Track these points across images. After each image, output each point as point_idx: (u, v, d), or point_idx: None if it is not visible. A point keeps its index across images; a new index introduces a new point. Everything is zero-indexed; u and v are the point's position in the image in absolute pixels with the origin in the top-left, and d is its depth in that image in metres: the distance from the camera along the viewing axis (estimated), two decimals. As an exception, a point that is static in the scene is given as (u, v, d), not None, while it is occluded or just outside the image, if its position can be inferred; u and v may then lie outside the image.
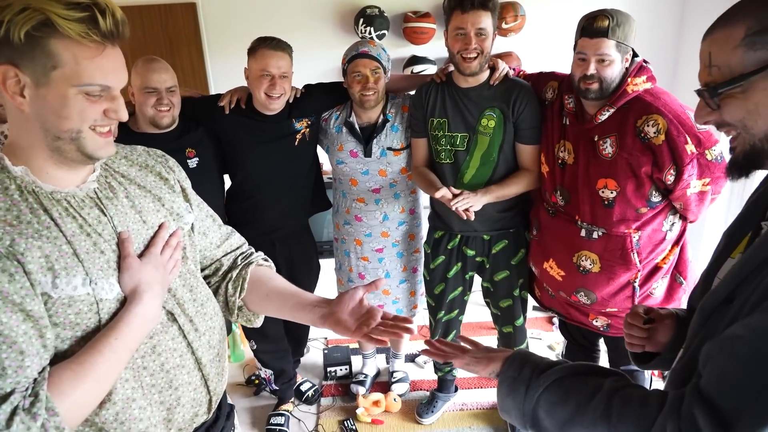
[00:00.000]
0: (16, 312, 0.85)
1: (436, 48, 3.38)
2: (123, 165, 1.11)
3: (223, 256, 1.30)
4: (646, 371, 2.19)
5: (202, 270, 1.27)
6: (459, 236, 2.34)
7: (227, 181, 2.45)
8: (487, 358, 1.08)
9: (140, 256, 1.03)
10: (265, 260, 1.34)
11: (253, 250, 1.36)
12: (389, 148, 2.32)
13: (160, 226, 1.09)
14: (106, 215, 1.00)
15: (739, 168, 0.90)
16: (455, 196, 2.01)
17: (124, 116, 0.95)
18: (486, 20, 1.97)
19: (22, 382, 0.85)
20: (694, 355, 0.90)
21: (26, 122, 0.90)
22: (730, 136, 0.89)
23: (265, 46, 2.11)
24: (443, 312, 2.46)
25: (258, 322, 1.31)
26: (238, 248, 1.34)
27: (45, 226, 0.91)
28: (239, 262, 1.29)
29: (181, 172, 1.22)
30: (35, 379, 0.86)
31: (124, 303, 0.99)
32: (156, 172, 1.15)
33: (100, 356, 0.91)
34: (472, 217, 1.98)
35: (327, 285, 2.85)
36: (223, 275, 1.28)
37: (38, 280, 0.88)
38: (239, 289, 1.25)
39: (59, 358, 0.91)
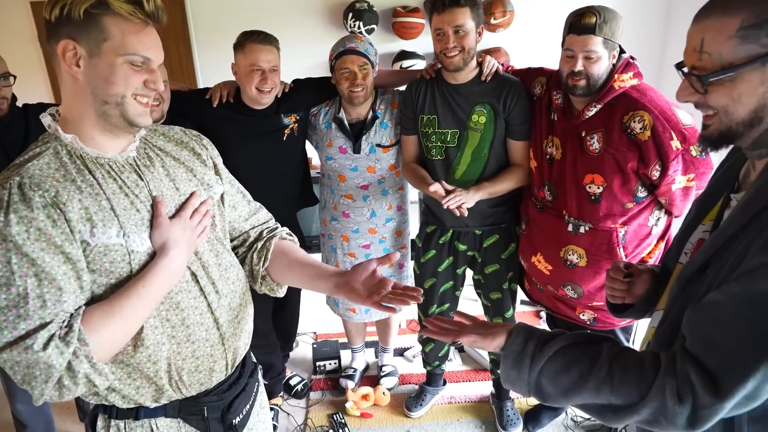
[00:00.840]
0: (57, 254, 0.97)
1: (425, 43, 3.39)
2: (161, 140, 1.24)
3: (250, 229, 1.41)
4: (628, 338, 2.28)
5: (231, 241, 1.38)
6: (451, 231, 2.35)
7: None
8: (491, 333, 1.13)
9: (171, 218, 1.14)
10: (290, 235, 1.45)
11: (278, 225, 1.47)
12: (378, 145, 2.32)
13: (192, 194, 1.20)
14: (143, 180, 1.13)
15: (711, 142, 0.96)
16: (448, 193, 2.02)
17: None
18: (462, 17, 1.97)
19: (59, 315, 0.97)
20: (674, 319, 1.01)
21: (79, 90, 1.05)
22: (706, 114, 0.95)
23: (252, 40, 2.10)
24: (435, 306, 2.47)
25: (281, 292, 1.42)
26: (265, 222, 1.45)
27: (89, 184, 1.04)
28: (264, 235, 1.40)
29: (213, 150, 1.35)
30: (71, 314, 0.98)
31: (153, 257, 1.10)
32: (190, 148, 1.28)
33: (128, 300, 1.03)
34: (465, 214, 2.00)
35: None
36: (249, 246, 1.39)
37: (78, 228, 1.01)
38: (263, 259, 1.35)
39: (95, 301, 1.04)
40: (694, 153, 1.79)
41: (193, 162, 1.26)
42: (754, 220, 0.89)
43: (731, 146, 1.02)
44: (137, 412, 1.18)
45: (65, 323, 0.97)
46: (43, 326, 0.94)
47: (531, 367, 1.04)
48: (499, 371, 2.62)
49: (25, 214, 0.95)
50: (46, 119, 1.09)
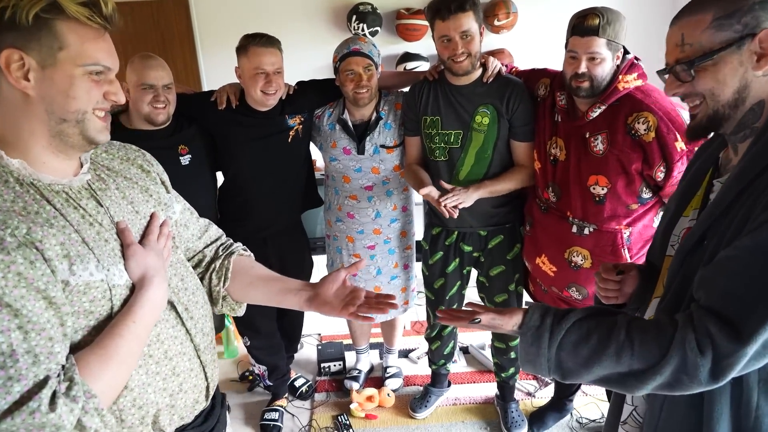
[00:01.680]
0: (39, 300, 0.85)
1: (429, 45, 3.39)
2: (105, 158, 1.12)
3: (204, 248, 1.33)
4: None
5: (188, 260, 1.30)
6: (456, 232, 2.35)
7: (220, 178, 2.45)
8: (508, 312, 1.14)
9: (140, 243, 1.05)
10: (245, 250, 1.37)
11: (231, 240, 1.39)
12: (382, 146, 2.32)
13: (152, 216, 1.11)
14: (102, 206, 1.02)
15: (701, 129, 1.04)
16: (445, 192, 2.02)
17: (122, 99, 0.99)
18: (468, 22, 1.97)
19: (53, 368, 0.85)
20: (676, 293, 1.05)
21: (29, 107, 0.91)
22: (692, 104, 1.03)
23: (255, 43, 2.11)
24: (444, 306, 2.48)
25: (240, 311, 1.34)
26: (217, 239, 1.37)
27: (52, 216, 0.92)
28: (221, 253, 1.32)
29: (158, 166, 1.24)
30: (64, 366, 0.87)
31: (132, 290, 1.01)
32: (138, 165, 1.17)
33: (121, 339, 0.94)
34: (455, 215, 1.99)
35: (320, 281, 2.86)
36: (206, 266, 1.31)
37: (57, 267, 0.88)
38: (223, 279, 1.27)
39: (71, 349, 0.92)
40: (698, 154, 1.79)
41: (145, 180, 1.16)
42: (749, 187, 0.95)
43: (712, 134, 1.10)
44: None
45: (63, 377, 0.86)
46: (40, 385, 0.82)
47: (550, 341, 1.05)
48: (503, 374, 2.63)
49: (0, 258, 0.81)
50: None
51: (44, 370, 0.84)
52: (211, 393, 1.22)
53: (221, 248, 1.34)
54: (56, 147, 0.96)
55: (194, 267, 1.30)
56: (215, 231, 1.37)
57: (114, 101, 0.98)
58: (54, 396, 0.83)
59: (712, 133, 1.09)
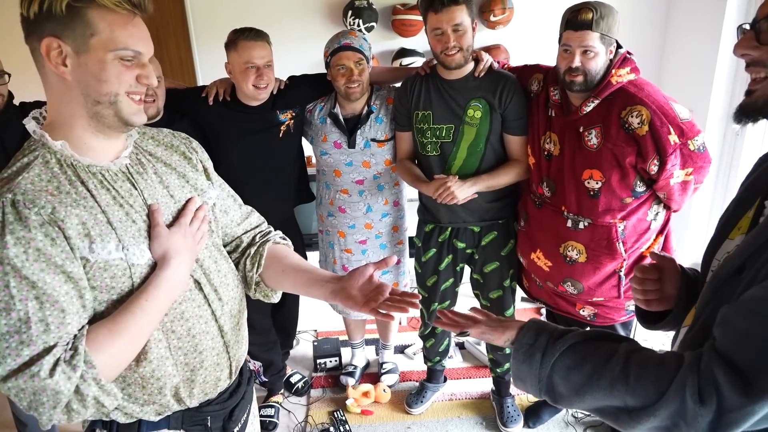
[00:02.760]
0: (58, 273, 0.93)
1: (425, 40, 3.35)
2: (150, 144, 1.19)
3: (243, 234, 1.36)
4: (628, 334, 2.22)
5: (224, 246, 1.33)
6: (449, 229, 2.35)
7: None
8: (501, 326, 1.08)
9: (169, 226, 1.10)
10: (283, 239, 1.40)
11: (272, 228, 1.43)
12: (373, 140, 2.32)
13: (189, 200, 1.17)
14: (136, 188, 1.08)
15: (754, 111, 0.88)
16: (445, 180, 2.06)
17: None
18: (460, 15, 1.96)
19: (63, 337, 0.92)
20: (705, 324, 0.91)
21: (68, 91, 0.98)
22: (756, 76, 0.87)
23: (244, 38, 2.10)
24: (436, 303, 2.48)
25: (275, 298, 1.38)
26: (257, 226, 1.40)
27: (82, 197, 0.99)
28: (257, 240, 1.36)
29: (203, 153, 1.30)
30: (75, 335, 0.94)
31: (154, 268, 1.06)
32: (180, 152, 1.23)
33: (132, 316, 0.99)
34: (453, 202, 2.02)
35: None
36: (242, 252, 1.34)
37: (77, 245, 0.96)
38: (257, 265, 1.30)
39: (97, 318, 1.00)
40: (692, 147, 1.79)
41: (185, 167, 1.21)
42: None
43: (758, 124, 0.94)
44: (139, 426, 1.14)
45: (69, 346, 0.92)
46: (47, 351, 0.90)
47: (542, 361, 0.97)
48: (498, 369, 2.63)
49: (22, 234, 0.90)
50: (30, 124, 1.02)
51: (54, 338, 0.91)
52: (235, 371, 1.27)
53: (259, 235, 1.37)
54: (95, 128, 1.02)
55: (231, 252, 1.35)
56: (256, 218, 1.41)
57: (147, 84, 1.03)
58: (57, 363, 0.90)
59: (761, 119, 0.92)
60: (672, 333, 1.14)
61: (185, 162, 1.22)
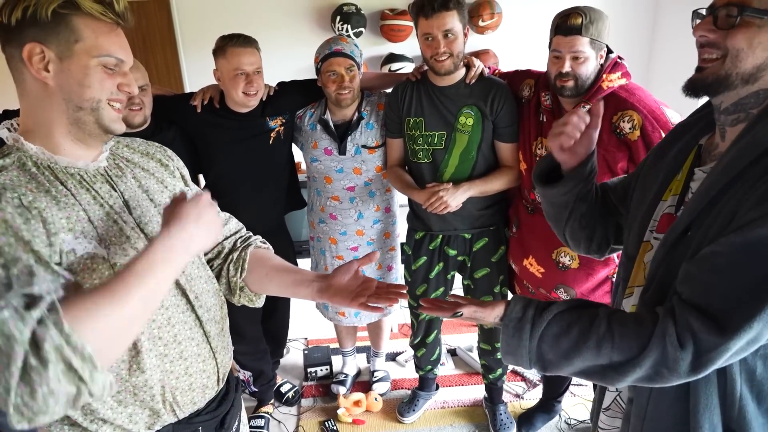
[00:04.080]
0: (22, 246, 0.87)
1: (413, 46, 3.37)
2: (126, 151, 1.19)
3: (224, 240, 1.36)
4: None
5: (205, 254, 1.34)
6: (440, 236, 2.33)
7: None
8: (489, 304, 1.13)
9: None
10: (263, 243, 1.40)
11: (251, 234, 1.42)
12: (364, 146, 2.30)
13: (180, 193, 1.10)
14: (116, 190, 1.08)
15: (702, 87, 0.97)
16: (437, 188, 2.06)
17: (135, 90, 1.06)
18: (451, 21, 1.95)
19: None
20: (660, 283, 1.02)
21: (48, 97, 0.98)
22: (708, 56, 0.95)
23: (233, 44, 2.07)
24: (425, 313, 2.45)
25: (259, 302, 1.37)
26: (237, 232, 1.40)
27: (63, 194, 0.98)
28: (239, 245, 1.35)
29: (179, 161, 1.30)
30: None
31: None
32: (156, 159, 1.23)
33: (131, 275, 0.88)
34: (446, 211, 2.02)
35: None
36: (224, 258, 1.34)
37: (62, 238, 0.94)
38: (240, 269, 1.30)
39: None
40: (683, 152, 1.79)
41: (162, 173, 1.22)
42: (737, 180, 0.91)
43: (705, 98, 1.03)
44: None
45: (29, 297, 0.79)
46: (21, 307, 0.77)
47: (531, 332, 1.04)
48: (491, 376, 2.61)
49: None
50: (2, 132, 1.02)
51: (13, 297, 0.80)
52: (223, 378, 1.26)
53: (239, 240, 1.37)
54: (75, 135, 1.02)
55: (213, 259, 1.34)
56: (235, 224, 1.41)
57: (127, 92, 1.04)
58: (4, 308, 0.74)
59: (704, 97, 1.01)
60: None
61: (162, 168, 1.23)
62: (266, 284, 1.31)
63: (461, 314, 1.14)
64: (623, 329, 0.96)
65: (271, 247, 1.41)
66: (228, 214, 1.41)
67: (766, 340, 0.89)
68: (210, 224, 1.04)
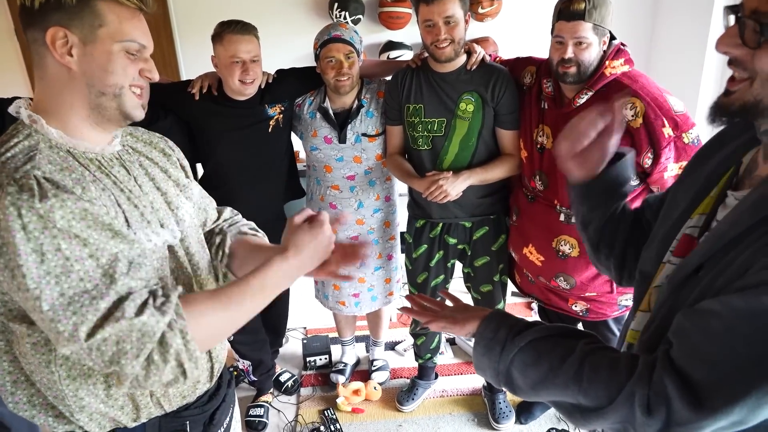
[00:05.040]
0: (106, 230, 0.91)
1: (412, 33, 3.34)
2: (130, 140, 1.18)
3: (213, 226, 1.38)
4: (620, 329, 2.20)
5: None
6: (440, 224, 2.32)
7: (199, 170, 2.39)
8: (463, 318, 1.08)
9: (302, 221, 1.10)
10: (252, 229, 1.39)
11: (242, 219, 1.42)
12: (364, 134, 2.28)
13: (319, 213, 1.15)
14: (130, 174, 1.08)
15: (727, 113, 0.81)
16: (437, 177, 2.04)
17: (156, 76, 1.06)
18: (453, 7, 1.93)
19: (135, 285, 0.91)
20: (661, 324, 0.89)
21: (71, 81, 0.98)
22: (737, 77, 0.78)
23: (230, 31, 2.04)
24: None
25: None
26: (229, 218, 1.41)
27: (91, 180, 0.98)
28: (225, 230, 1.35)
29: (179, 152, 1.30)
30: (165, 286, 0.95)
31: (166, 250, 1.07)
32: (159, 149, 1.23)
33: (237, 288, 0.99)
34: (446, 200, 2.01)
35: (303, 279, 2.81)
36: (210, 242, 1.34)
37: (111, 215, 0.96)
38: (221, 255, 1.30)
39: None
40: (686, 140, 1.77)
41: (165, 163, 1.22)
42: (762, 225, 0.76)
43: (733, 124, 0.88)
44: None
45: (161, 293, 0.91)
46: (124, 298, 0.88)
47: (501, 355, 0.97)
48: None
49: (65, 196, 0.88)
50: (23, 112, 1.00)
51: (125, 287, 0.89)
52: (216, 374, 1.24)
53: (226, 225, 1.37)
54: (94, 119, 1.02)
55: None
56: (228, 212, 1.42)
57: (149, 78, 1.05)
58: (144, 305, 0.88)
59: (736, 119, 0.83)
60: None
61: (165, 158, 1.23)
62: (246, 266, 1.28)
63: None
64: (594, 375, 0.86)
65: (262, 233, 1.40)
66: (224, 207, 1.42)
67: (757, 422, 0.76)
68: (321, 254, 1.11)
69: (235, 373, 2.90)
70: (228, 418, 1.32)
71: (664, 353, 0.82)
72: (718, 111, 0.82)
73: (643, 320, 0.99)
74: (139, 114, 1.06)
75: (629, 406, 0.80)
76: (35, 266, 0.84)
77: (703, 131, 2.06)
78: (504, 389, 2.60)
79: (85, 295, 0.86)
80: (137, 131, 1.23)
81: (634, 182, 1.88)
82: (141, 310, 0.87)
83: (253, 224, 1.41)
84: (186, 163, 1.30)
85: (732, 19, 0.77)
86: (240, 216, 1.43)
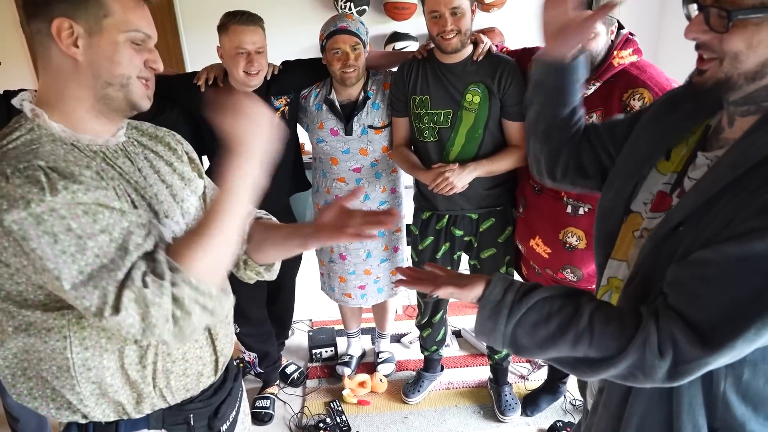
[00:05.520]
0: (113, 210, 0.89)
1: (417, 24, 3.33)
2: (135, 134, 1.17)
3: None
4: None
5: None
6: (447, 216, 2.31)
7: (205, 163, 2.39)
8: (468, 283, 1.07)
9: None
10: (266, 215, 1.37)
11: (254, 208, 1.38)
12: (370, 126, 2.27)
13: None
14: (134, 165, 1.08)
15: (701, 91, 0.90)
16: (444, 169, 2.02)
17: (161, 67, 1.05)
18: None
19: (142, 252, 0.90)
20: (645, 277, 0.97)
21: (77, 73, 0.97)
22: (706, 57, 0.87)
23: (236, 21, 2.03)
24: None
25: (269, 275, 1.32)
26: None
27: (96, 169, 0.96)
28: None
29: (188, 146, 1.29)
30: (149, 251, 0.92)
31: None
32: (165, 143, 1.22)
33: (213, 215, 0.95)
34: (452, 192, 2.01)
35: (310, 267, 2.82)
36: None
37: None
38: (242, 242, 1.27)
39: None
40: (695, 131, 1.76)
41: (170, 157, 1.20)
42: (740, 180, 0.84)
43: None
44: (117, 427, 1.09)
45: (148, 258, 0.90)
46: (132, 268, 0.87)
47: (508, 318, 0.99)
48: (496, 356, 2.61)
49: (74, 186, 0.86)
50: (27, 105, 0.99)
51: (134, 258, 0.88)
52: (221, 368, 1.22)
53: None
54: (99, 111, 1.02)
55: None
56: None
57: (154, 68, 1.04)
58: (144, 276, 0.87)
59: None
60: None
61: (170, 152, 1.21)
62: (266, 249, 1.26)
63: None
64: (604, 327, 0.92)
65: (272, 217, 1.38)
66: None
67: (750, 351, 0.85)
68: (266, 134, 1.01)
69: (241, 365, 2.91)
70: (234, 412, 1.31)
71: (662, 303, 0.90)
72: (694, 90, 0.92)
73: (618, 269, 1.08)
74: (146, 104, 1.05)
75: (641, 351, 0.87)
76: (49, 247, 0.84)
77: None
78: (510, 382, 2.61)
79: (104, 269, 0.86)
80: (143, 125, 1.22)
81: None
82: (144, 281, 0.86)
83: (264, 211, 1.39)
84: (195, 156, 1.29)
85: (694, 8, 0.87)
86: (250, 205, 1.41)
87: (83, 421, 1.07)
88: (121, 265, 0.86)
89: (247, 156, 0.98)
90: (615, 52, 1.79)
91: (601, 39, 1.76)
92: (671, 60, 3.31)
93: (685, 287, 0.87)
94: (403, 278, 1.17)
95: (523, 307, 0.99)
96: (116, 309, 0.84)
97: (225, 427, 1.26)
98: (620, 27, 1.83)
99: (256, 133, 0.99)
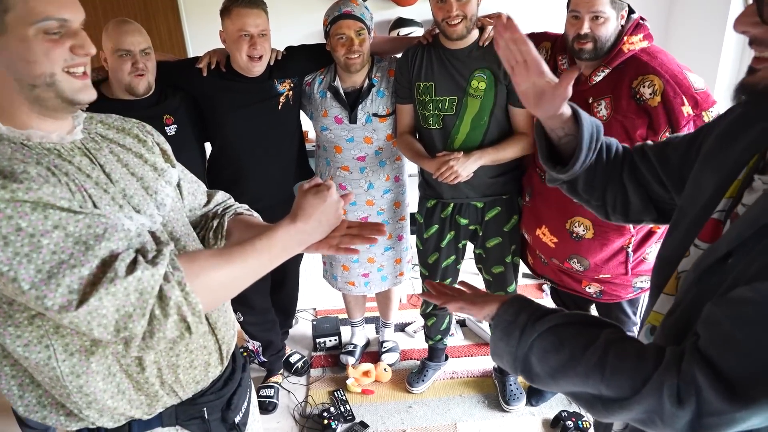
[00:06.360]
0: (65, 210, 0.84)
1: (423, 9, 3.28)
2: (100, 128, 1.11)
3: (208, 211, 1.33)
4: (635, 312, 2.18)
5: (194, 228, 1.29)
6: (452, 205, 2.29)
7: (208, 149, 2.37)
8: (482, 301, 1.04)
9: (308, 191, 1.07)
10: (248, 211, 1.35)
11: (235, 202, 1.38)
12: (375, 115, 2.24)
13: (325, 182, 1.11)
14: (95, 163, 1.01)
15: (752, 94, 0.78)
16: (448, 157, 2.00)
17: (92, 50, 0.94)
18: None
19: (117, 246, 0.85)
20: (686, 311, 0.85)
21: (1, 79, 0.90)
22: (760, 55, 0.76)
23: (238, 4, 2.00)
24: (437, 280, 2.43)
25: None
26: (222, 202, 1.36)
27: (49, 172, 0.89)
28: (220, 212, 1.31)
29: (159, 136, 1.23)
30: (159, 241, 0.93)
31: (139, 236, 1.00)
32: (133, 135, 1.16)
33: (240, 247, 0.96)
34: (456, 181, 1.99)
35: (314, 256, 2.80)
36: (205, 226, 1.30)
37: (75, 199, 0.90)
38: (220, 237, 1.26)
39: None
40: (706, 119, 1.72)
41: (140, 148, 1.15)
42: None
43: (754, 104, 0.84)
44: (130, 428, 1.07)
45: (152, 249, 0.87)
46: (109, 261, 0.82)
47: (520, 340, 0.93)
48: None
49: (16, 186, 0.80)
50: None
51: (103, 250, 0.83)
52: (226, 355, 1.21)
53: (222, 208, 1.33)
54: (39, 112, 0.94)
55: (198, 229, 1.30)
56: (221, 196, 1.38)
57: (84, 54, 0.93)
58: (134, 264, 0.83)
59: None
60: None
61: (140, 144, 1.16)
62: None
63: (446, 311, 1.08)
64: (618, 364, 0.82)
65: (255, 214, 1.36)
66: (215, 190, 1.39)
67: None
68: (330, 222, 1.08)
69: (245, 353, 2.91)
70: (245, 403, 1.30)
71: (692, 344, 0.78)
72: (743, 90, 0.78)
73: (666, 303, 0.95)
74: (87, 97, 0.96)
75: (657, 396, 0.77)
76: (0, 251, 0.78)
77: (723, 109, 2.01)
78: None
79: (63, 265, 0.80)
80: (109, 118, 1.16)
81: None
82: (132, 267, 0.82)
83: (246, 206, 1.37)
84: (167, 147, 1.24)
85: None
86: (232, 199, 1.39)
87: (92, 426, 1.05)
88: (83, 261, 0.81)
89: (305, 228, 1.03)
90: (625, 38, 1.76)
91: (611, 24, 1.73)
92: (682, 45, 3.25)
93: (718, 327, 0.75)
94: (431, 292, 1.16)
95: (536, 330, 0.92)
96: (81, 302, 0.79)
97: (238, 418, 1.25)
98: (630, 11, 1.79)
99: (323, 215, 1.05)
